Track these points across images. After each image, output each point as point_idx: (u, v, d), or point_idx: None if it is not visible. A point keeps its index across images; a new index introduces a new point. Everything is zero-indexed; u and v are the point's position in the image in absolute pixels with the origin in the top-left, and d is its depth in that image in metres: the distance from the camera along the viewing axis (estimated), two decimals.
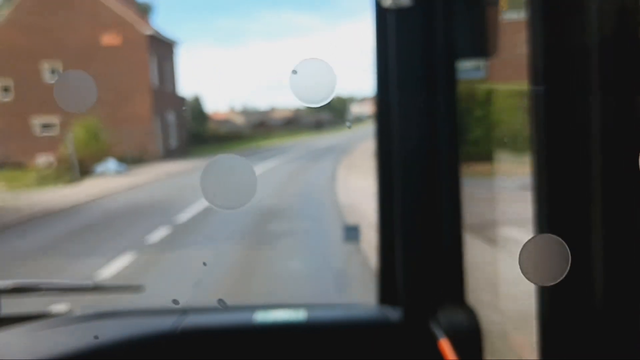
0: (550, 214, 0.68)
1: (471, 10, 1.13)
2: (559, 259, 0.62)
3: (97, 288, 1.73)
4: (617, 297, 0.62)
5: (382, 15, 1.24)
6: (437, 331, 1.16)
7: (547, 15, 0.65)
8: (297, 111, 56.37)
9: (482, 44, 1.13)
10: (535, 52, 0.66)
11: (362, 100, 68.42)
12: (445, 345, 1.11)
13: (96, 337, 1.30)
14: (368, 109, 65.04)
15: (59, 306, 1.99)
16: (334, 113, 57.19)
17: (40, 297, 1.52)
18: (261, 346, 1.37)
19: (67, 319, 1.48)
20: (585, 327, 0.66)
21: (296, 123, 49.37)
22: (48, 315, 1.50)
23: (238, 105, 59.43)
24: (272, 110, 56.44)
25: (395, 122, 1.21)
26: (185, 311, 1.45)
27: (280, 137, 39.16)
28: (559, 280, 0.62)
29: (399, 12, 1.13)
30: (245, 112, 53.91)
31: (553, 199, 0.68)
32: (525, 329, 1.04)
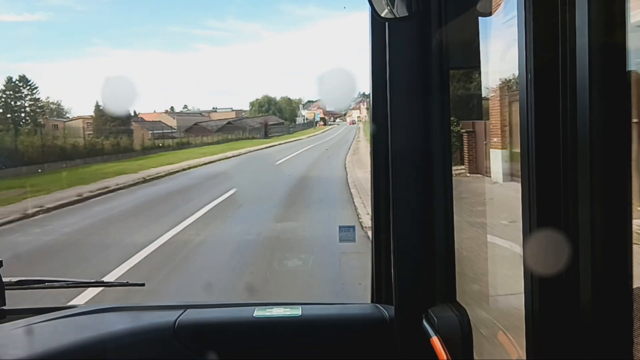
0: (539, 214, 0.70)
1: (464, 21, 1.18)
2: (550, 260, 0.67)
3: (100, 284, 1.83)
4: (606, 296, 0.64)
5: (379, 24, 1.31)
6: (429, 329, 1.20)
7: (537, 19, 0.68)
8: (240, 112, 53.43)
9: (474, 54, 1.18)
10: (525, 54, 0.69)
11: (311, 103, 69.17)
12: (436, 343, 1.15)
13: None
14: (320, 112, 66.26)
15: (64, 301, 1.93)
16: (284, 115, 55.76)
17: (44, 291, 1.53)
18: (258, 340, 1.43)
19: (71, 312, 1.52)
20: (573, 326, 0.68)
21: (240, 126, 47.23)
22: (53, 309, 1.54)
23: (179, 107, 52.34)
24: (212, 111, 52.30)
25: (390, 127, 1.26)
26: (185, 307, 1.50)
27: (201, 151, 26.98)
28: (547, 280, 0.69)
29: (395, 21, 1.18)
30: (178, 114, 48.90)
31: (542, 199, 0.70)
32: (514, 328, 1.06)
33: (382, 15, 1.15)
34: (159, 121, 41.88)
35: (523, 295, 0.75)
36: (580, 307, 0.66)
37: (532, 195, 0.71)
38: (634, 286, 0.64)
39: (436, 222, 1.26)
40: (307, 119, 58.32)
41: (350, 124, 59.55)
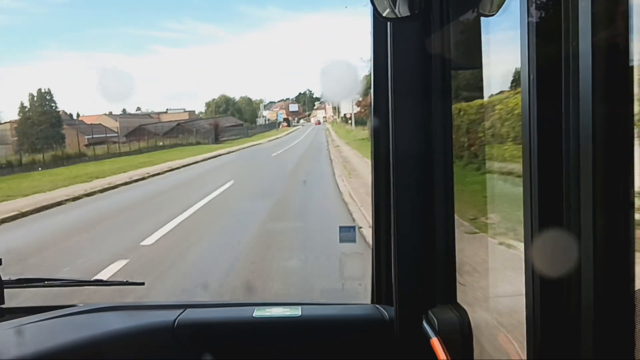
0: (541, 215, 0.69)
1: (467, 21, 1.16)
2: (552, 262, 0.67)
3: (99, 283, 1.79)
4: (608, 298, 0.63)
5: (381, 24, 1.29)
6: (429, 330, 1.19)
7: (540, 19, 0.67)
8: (193, 113, 48.32)
9: (476, 54, 1.15)
10: (528, 54, 0.69)
11: (273, 103, 64.42)
12: (436, 344, 1.14)
13: None
14: (283, 112, 61.60)
15: (63, 299, 1.81)
16: (243, 116, 50.93)
17: (43, 289, 1.50)
18: (258, 340, 1.42)
19: (69, 312, 1.50)
20: (574, 328, 0.67)
21: (190, 129, 42.20)
22: (52, 308, 1.52)
23: (133, 109, 46.16)
24: (163, 113, 46.95)
25: (392, 127, 1.24)
26: (185, 306, 1.48)
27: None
28: (549, 281, 0.68)
29: (396, 21, 1.17)
30: (121, 115, 43.51)
31: (543, 200, 0.69)
32: (515, 329, 1.05)
33: (384, 15, 1.13)
34: (99, 124, 36.63)
35: (524, 296, 0.74)
36: (582, 309, 0.65)
37: (534, 196, 0.70)
38: (636, 288, 0.64)
39: (437, 223, 1.24)
40: (268, 119, 54.23)
41: (315, 124, 56.35)
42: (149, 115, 44.56)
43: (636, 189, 0.62)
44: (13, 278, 1.49)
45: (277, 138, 36.57)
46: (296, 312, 1.43)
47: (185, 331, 1.38)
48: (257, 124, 50.95)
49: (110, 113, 41.90)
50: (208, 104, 51.16)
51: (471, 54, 1.20)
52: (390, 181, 1.27)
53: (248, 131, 43.42)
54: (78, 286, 1.62)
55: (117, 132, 36.63)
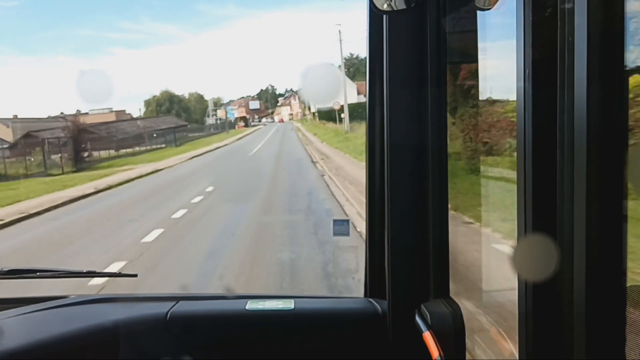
0: (534, 212, 0.68)
1: (463, 15, 1.14)
2: (545, 257, 0.66)
3: (92, 274, 1.79)
4: (598, 293, 0.62)
5: (377, 17, 1.26)
6: (422, 324, 1.18)
7: (536, 13, 0.65)
8: (123, 114, 38.33)
9: (472, 48, 1.14)
10: (523, 49, 0.68)
11: (232, 102, 54.91)
12: (428, 338, 1.13)
13: None
14: (243, 109, 52.41)
15: (55, 291, 1.91)
16: (193, 116, 41.70)
17: (36, 280, 1.48)
18: (250, 332, 1.40)
19: (62, 303, 1.48)
20: (566, 324, 0.66)
21: (106, 135, 31.65)
22: (44, 299, 1.51)
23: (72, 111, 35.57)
24: (84, 114, 36.88)
25: (387, 120, 1.23)
26: (177, 299, 1.47)
27: None
28: (541, 278, 0.66)
29: (392, 14, 1.15)
30: (15, 120, 33.19)
31: (537, 197, 0.68)
32: (507, 324, 1.04)
33: (380, 7, 1.13)
34: None
35: (517, 291, 0.74)
36: (574, 305, 0.65)
37: (528, 193, 0.70)
38: (628, 284, 0.64)
39: (431, 217, 1.23)
40: (220, 119, 45.57)
41: (279, 122, 48.35)
42: (63, 117, 34.53)
43: (629, 183, 0.61)
44: (5, 269, 1.49)
45: (220, 146, 24.24)
46: (289, 305, 1.44)
47: (177, 323, 1.38)
48: (207, 124, 41.98)
49: (15, 117, 31.84)
50: (148, 102, 42.16)
51: (467, 48, 1.20)
52: (384, 174, 1.28)
53: (176, 136, 30.88)
54: (70, 277, 1.60)
55: (10, 142, 26.67)
